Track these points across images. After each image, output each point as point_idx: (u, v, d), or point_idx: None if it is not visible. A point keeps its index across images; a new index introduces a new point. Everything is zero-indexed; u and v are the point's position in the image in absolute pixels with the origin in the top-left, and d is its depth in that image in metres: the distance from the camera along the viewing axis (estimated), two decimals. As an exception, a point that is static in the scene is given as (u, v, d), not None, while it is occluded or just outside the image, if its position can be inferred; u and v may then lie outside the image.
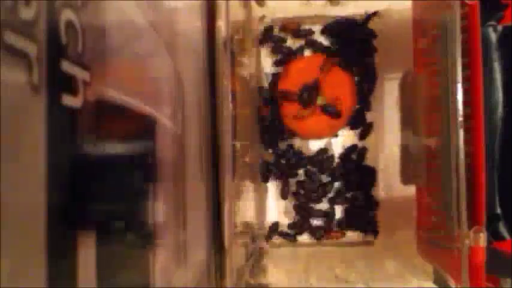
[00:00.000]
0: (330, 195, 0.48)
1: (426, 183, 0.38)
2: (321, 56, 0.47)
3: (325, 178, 0.48)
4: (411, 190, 0.42)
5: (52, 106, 0.13)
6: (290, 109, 0.46)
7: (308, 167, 0.48)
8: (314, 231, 0.47)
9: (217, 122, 0.29)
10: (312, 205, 0.47)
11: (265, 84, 0.48)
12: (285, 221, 0.48)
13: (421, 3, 0.40)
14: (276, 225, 0.47)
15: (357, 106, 0.47)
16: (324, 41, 0.48)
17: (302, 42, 0.48)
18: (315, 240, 0.47)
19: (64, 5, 0.14)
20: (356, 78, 0.47)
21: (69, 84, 0.14)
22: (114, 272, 0.17)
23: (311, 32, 0.48)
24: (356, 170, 0.47)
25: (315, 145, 0.48)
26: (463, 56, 0.31)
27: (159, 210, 0.22)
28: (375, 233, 0.47)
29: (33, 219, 0.12)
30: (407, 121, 0.43)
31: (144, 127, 0.21)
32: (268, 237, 0.47)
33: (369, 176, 0.47)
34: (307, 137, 0.48)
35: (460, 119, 0.31)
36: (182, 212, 0.26)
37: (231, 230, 0.29)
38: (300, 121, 0.46)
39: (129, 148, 0.19)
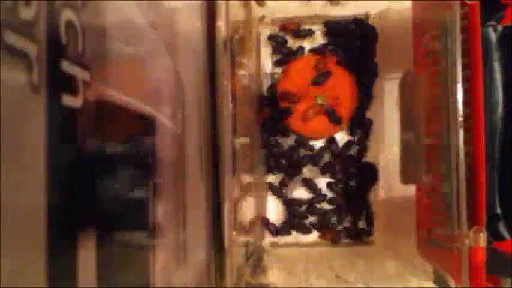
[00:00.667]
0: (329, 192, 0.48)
1: (426, 183, 0.38)
2: (321, 56, 0.47)
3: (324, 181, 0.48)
4: (411, 190, 0.42)
5: (52, 106, 0.13)
6: (293, 109, 0.46)
7: (308, 167, 0.48)
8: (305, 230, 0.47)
9: (217, 122, 0.29)
10: (311, 204, 0.47)
11: (266, 84, 0.48)
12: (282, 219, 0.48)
13: (421, 3, 0.39)
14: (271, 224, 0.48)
15: (357, 106, 0.47)
16: (324, 41, 0.48)
17: (302, 42, 0.48)
18: (315, 240, 0.47)
19: (64, 5, 0.14)
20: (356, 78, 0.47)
21: (69, 84, 0.14)
22: (114, 272, 0.17)
23: (311, 32, 0.48)
24: (356, 168, 0.47)
25: (314, 145, 0.48)
26: (463, 56, 0.31)
27: (159, 210, 0.22)
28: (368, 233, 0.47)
29: (33, 219, 0.12)
30: (407, 121, 0.43)
31: (144, 127, 0.21)
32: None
33: (369, 174, 0.47)
34: (309, 135, 0.48)
35: (460, 119, 0.31)
36: (182, 212, 0.26)
37: (231, 230, 0.29)
38: (301, 121, 0.46)
39: (129, 148, 0.19)
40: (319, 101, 0.46)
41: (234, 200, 0.32)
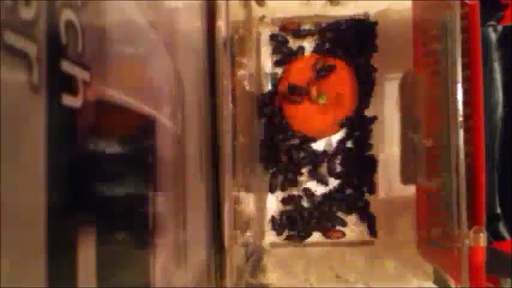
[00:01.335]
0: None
1: (426, 183, 0.38)
2: (321, 55, 0.47)
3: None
4: (411, 190, 0.42)
5: (52, 106, 0.13)
6: (293, 108, 0.46)
7: (309, 167, 0.48)
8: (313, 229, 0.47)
9: (217, 122, 0.29)
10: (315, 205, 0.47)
11: (265, 84, 0.48)
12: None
13: (421, 3, 0.40)
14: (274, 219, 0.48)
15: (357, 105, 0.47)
16: (324, 41, 0.48)
17: (302, 42, 0.48)
18: (315, 240, 0.47)
19: (64, 5, 0.14)
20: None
21: (69, 84, 0.14)
22: (114, 272, 0.17)
23: (311, 32, 0.48)
24: (356, 161, 0.47)
25: (315, 145, 0.48)
26: (463, 56, 0.31)
27: (159, 210, 0.22)
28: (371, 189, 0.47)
29: (33, 219, 0.12)
30: (407, 121, 0.43)
31: (144, 127, 0.21)
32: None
33: (369, 165, 0.47)
34: (311, 134, 0.48)
35: (460, 119, 0.31)
36: (182, 212, 0.26)
37: (231, 230, 0.29)
38: (303, 120, 0.46)
39: (129, 148, 0.19)
40: (321, 101, 0.46)
41: (234, 200, 0.32)
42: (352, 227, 0.47)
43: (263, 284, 0.37)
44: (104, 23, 0.16)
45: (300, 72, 0.47)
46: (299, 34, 0.48)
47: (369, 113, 0.48)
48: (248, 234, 0.40)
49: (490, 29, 0.36)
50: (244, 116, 0.40)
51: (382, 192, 0.47)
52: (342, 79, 0.46)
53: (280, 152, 0.48)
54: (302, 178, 0.48)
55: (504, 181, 0.35)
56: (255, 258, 0.42)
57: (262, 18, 0.48)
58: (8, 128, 0.11)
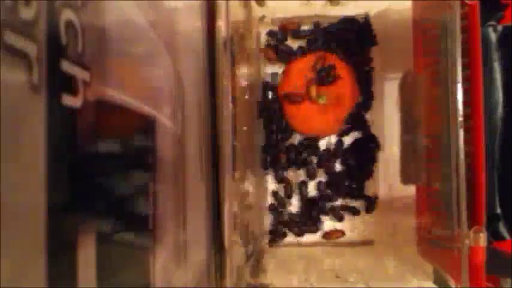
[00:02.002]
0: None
1: (426, 183, 0.38)
2: (321, 55, 0.47)
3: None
4: (411, 190, 0.42)
5: (52, 106, 0.13)
6: (294, 109, 0.46)
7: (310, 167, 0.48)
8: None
9: (217, 122, 0.29)
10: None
11: (266, 84, 0.48)
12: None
13: (421, 3, 0.40)
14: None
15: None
16: (324, 40, 0.48)
17: (302, 42, 0.48)
18: (315, 240, 0.47)
19: (64, 5, 0.14)
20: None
21: (69, 84, 0.14)
22: (114, 272, 0.17)
23: (311, 32, 0.48)
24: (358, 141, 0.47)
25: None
26: (463, 56, 0.31)
27: (159, 210, 0.22)
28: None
29: (33, 219, 0.12)
30: (407, 121, 0.43)
31: (144, 127, 0.21)
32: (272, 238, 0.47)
33: (372, 142, 0.47)
34: (311, 134, 0.48)
35: (460, 119, 0.31)
36: (182, 212, 0.26)
37: (231, 230, 0.29)
38: (304, 120, 0.46)
39: (129, 148, 0.19)
40: (321, 101, 0.46)
41: (234, 200, 0.32)
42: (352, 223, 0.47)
43: (263, 284, 0.37)
44: (104, 23, 0.16)
45: (300, 73, 0.47)
46: (299, 34, 0.48)
47: (368, 113, 0.48)
48: (248, 234, 0.40)
49: (490, 29, 0.36)
50: (245, 116, 0.40)
51: (382, 192, 0.47)
52: (342, 79, 0.46)
53: (280, 152, 0.48)
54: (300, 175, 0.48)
55: (504, 181, 0.35)
56: (255, 258, 0.42)
57: (262, 18, 0.48)
58: (8, 128, 0.11)
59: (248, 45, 0.43)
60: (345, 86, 0.46)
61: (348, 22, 0.48)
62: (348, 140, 0.48)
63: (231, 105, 0.30)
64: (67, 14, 0.14)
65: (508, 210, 0.35)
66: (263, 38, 0.48)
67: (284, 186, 0.48)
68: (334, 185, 0.47)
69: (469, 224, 0.31)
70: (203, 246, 0.29)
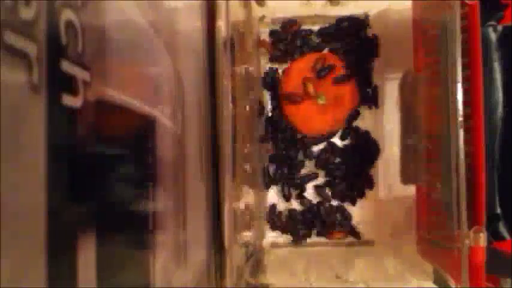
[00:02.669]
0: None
1: (426, 183, 0.38)
2: (321, 55, 0.47)
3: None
4: (411, 190, 0.42)
5: (52, 106, 0.13)
6: (295, 109, 0.47)
7: (307, 167, 0.48)
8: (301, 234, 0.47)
9: (217, 122, 0.29)
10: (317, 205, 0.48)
11: (266, 84, 0.48)
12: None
13: (421, 3, 0.40)
14: (273, 207, 0.47)
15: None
16: (324, 40, 0.48)
17: (302, 42, 0.48)
18: (315, 240, 0.47)
19: (64, 5, 0.14)
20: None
21: (69, 84, 0.14)
22: (114, 272, 0.17)
23: (311, 32, 0.48)
24: (358, 142, 0.47)
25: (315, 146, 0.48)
26: (463, 56, 0.31)
27: (159, 210, 0.22)
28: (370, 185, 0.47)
29: (33, 219, 0.12)
30: (407, 121, 0.43)
31: (144, 127, 0.21)
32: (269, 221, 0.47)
33: (372, 148, 0.47)
34: (311, 133, 0.48)
35: (460, 119, 0.31)
36: (182, 212, 0.26)
37: (231, 230, 0.29)
38: (304, 119, 0.46)
39: (129, 148, 0.19)
40: (321, 101, 0.46)
41: (234, 200, 0.32)
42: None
43: (263, 284, 0.37)
44: (104, 23, 0.16)
45: (300, 72, 0.47)
46: (299, 34, 0.48)
47: (368, 113, 0.48)
48: (248, 234, 0.40)
49: (490, 29, 0.36)
50: (245, 116, 0.40)
51: (382, 192, 0.47)
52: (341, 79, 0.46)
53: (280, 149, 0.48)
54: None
55: (504, 181, 0.35)
56: (255, 258, 0.42)
57: (262, 18, 0.48)
58: (8, 128, 0.11)
59: (248, 45, 0.43)
60: (345, 87, 0.46)
61: (347, 22, 0.48)
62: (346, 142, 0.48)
63: (231, 105, 0.30)
64: (67, 14, 0.14)
65: (508, 210, 0.35)
66: (263, 37, 0.48)
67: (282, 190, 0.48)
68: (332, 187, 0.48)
69: (469, 224, 0.31)
70: (203, 246, 0.29)
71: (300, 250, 0.47)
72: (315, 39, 0.48)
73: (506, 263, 0.35)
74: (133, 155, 0.20)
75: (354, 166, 0.48)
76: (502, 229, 0.36)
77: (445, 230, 0.33)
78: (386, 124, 0.46)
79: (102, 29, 0.16)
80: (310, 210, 0.47)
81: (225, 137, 0.29)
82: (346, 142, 0.48)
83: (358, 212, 0.48)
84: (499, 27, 0.36)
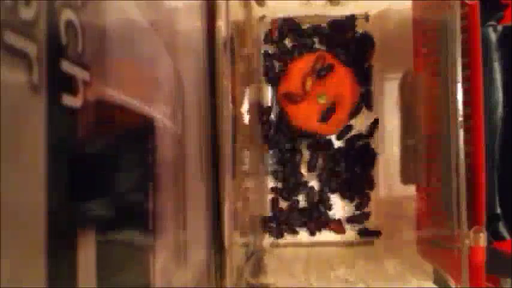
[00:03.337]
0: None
1: (426, 183, 0.38)
2: (321, 55, 0.47)
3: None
4: (411, 190, 0.42)
5: (52, 106, 0.13)
6: (295, 109, 0.47)
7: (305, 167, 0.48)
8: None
9: (217, 122, 0.29)
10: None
11: (266, 84, 0.48)
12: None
13: (421, 3, 0.40)
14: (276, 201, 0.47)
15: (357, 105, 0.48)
16: (323, 40, 0.48)
17: (302, 42, 0.48)
18: (315, 240, 0.47)
19: (64, 5, 0.14)
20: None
21: (69, 84, 0.14)
22: (114, 272, 0.17)
23: (311, 32, 0.48)
24: (355, 151, 0.48)
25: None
26: (463, 56, 0.31)
27: (159, 210, 0.22)
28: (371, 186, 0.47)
29: (33, 219, 0.12)
30: (407, 121, 0.43)
31: (144, 127, 0.21)
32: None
33: (368, 157, 0.47)
34: (311, 131, 0.48)
35: (460, 119, 0.31)
36: (182, 212, 0.26)
37: (231, 230, 0.29)
38: (305, 118, 0.46)
39: (129, 148, 0.19)
40: (321, 101, 0.46)
41: (234, 199, 0.32)
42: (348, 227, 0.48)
43: (263, 284, 0.37)
44: (104, 23, 0.16)
45: (300, 72, 0.47)
46: (299, 34, 0.48)
47: (368, 112, 0.48)
48: (248, 234, 0.40)
49: (490, 29, 0.36)
50: (244, 116, 0.40)
51: (382, 192, 0.47)
52: (341, 79, 0.46)
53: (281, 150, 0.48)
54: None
55: (504, 181, 0.35)
56: (255, 258, 0.42)
57: (262, 18, 0.48)
58: (8, 128, 0.11)
59: (248, 45, 0.43)
60: (344, 86, 0.46)
61: (344, 22, 0.48)
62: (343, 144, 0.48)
63: (231, 105, 0.30)
64: (67, 14, 0.14)
65: (508, 210, 0.35)
66: (263, 37, 0.48)
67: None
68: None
69: (469, 224, 0.31)
70: (203, 246, 0.29)
71: (300, 250, 0.47)
72: (315, 39, 0.48)
73: (506, 263, 0.35)
74: (133, 155, 0.20)
75: (351, 175, 0.48)
76: (502, 229, 0.36)
77: (445, 230, 0.33)
78: (387, 124, 0.46)
79: (102, 29, 0.16)
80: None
81: (225, 137, 0.29)
82: (341, 144, 0.48)
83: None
84: (499, 27, 0.36)
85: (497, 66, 0.36)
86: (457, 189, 0.31)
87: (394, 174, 0.45)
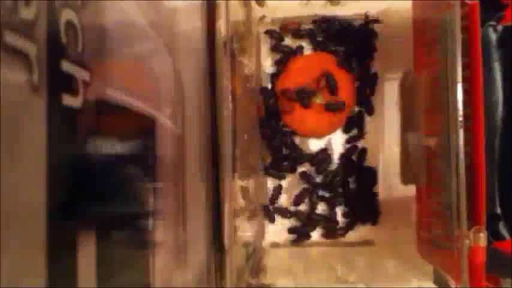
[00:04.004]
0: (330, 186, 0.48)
1: (426, 183, 0.38)
2: (321, 55, 0.47)
3: (324, 178, 0.48)
4: (411, 190, 0.42)
5: (52, 106, 0.13)
6: (290, 108, 0.47)
7: (304, 169, 0.48)
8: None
9: (217, 122, 0.29)
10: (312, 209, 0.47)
11: (265, 84, 0.48)
12: (285, 222, 0.48)
13: (421, 3, 0.39)
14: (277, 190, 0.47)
15: (356, 109, 0.47)
16: (323, 41, 0.48)
17: (302, 42, 0.48)
18: (315, 240, 0.47)
19: (64, 5, 0.14)
20: (356, 84, 0.47)
21: (69, 84, 0.14)
22: (114, 272, 0.17)
23: (311, 32, 0.48)
24: (356, 171, 0.47)
25: (314, 145, 0.48)
26: (463, 56, 0.31)
27: (159, 210, 0.22)
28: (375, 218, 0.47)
29: (33, 219, 0.12)
30: (408, 121, 0.43)
31: (144, 127, 0.21)
32: (269, 210, 0.47)
33: (369, 177, 0.47)
34: (306, 135, 0.48)
35: (460, 119, 0.31)
36: (182, 212, 0.26)
37: (231, 230, 0.29)
38: (300, 120, 0.46)
39: (129, 148, 0.19)
40: (318, 101, 0.46)
41: (234, 199, 0.32)
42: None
43: (263, 284, 0.37)
44: (104, 23, 0.16)
45: (299, 71, 0.47)
46: (299, 34, 0.48)
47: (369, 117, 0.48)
48: (248, 234, 0.40)
49: (490, 29, 0.36)
50: (245, 115, 0.40)
51: (382, 192, 0.47)
52: (340, 82, 0.46)
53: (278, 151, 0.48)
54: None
55: (504, 181, 0.35)
56: (255, 258, 0.42)
57: (262, 18, 0.48)
58: (8, 128, 0.11)
59: (248, 45, 0.43)
60: (343, 90, 0.46)
61: (350, 24, 0.48)
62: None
63: (231, 105, 0.30)
64: (67, 14, 0.14)
65: (508, 210, 0.35)
66: (263, 38, 0.48)
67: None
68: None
69: (469, 224, 0.31)
70: (203, 246, 0.29)
71: (300, 250, 0.47)
72: (314, 39, 0.48)
73: (506, 263, 0.35)
74: (133, 155, 0.20)
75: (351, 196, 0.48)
76: (502, 229, 0.36)
77: (445, 230, 0.33)
78: (387, 124, 0.46)
79: (102, 29, 0.16)
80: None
81: (225, 137, 0.29)
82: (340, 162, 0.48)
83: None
84: (499, 27, 0.36)
85: (497, 66, 0.36)
86: (457, 189, 0.31)
87: (394, 174, 0.45)
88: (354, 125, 0.47)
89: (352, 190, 0.47)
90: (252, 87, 0.45)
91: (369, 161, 0.48)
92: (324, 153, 0.47)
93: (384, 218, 0.47)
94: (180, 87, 0.26)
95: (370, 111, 0.47)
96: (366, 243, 0.47)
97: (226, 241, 0.29)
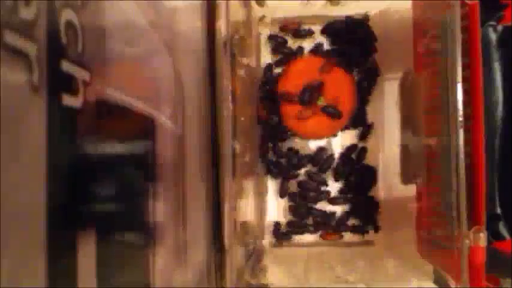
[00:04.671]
0: (331, 194, 0.48)
1: (426, 183, 0.38)
2: (321, 56, 0.47)
3: (327, 177, 0.48)
4: (411, 190, 0.42)
5: (52, 106, 0.13)
6: (290, 110, 0.46)
7: (308, 167, 0.48)
8: (311, 230, 0.47)
9: (217, 122, 0.29)
10: (310, 205, 0.47)
11: (265, 85, 0.48)
12: (283, 220, 0.48)
13: (421, 3, 0.39)
14: (278, 225, 0.47)
15: (358, 107, 0.47)
16: (324, 41, 0.48)
17: (302, 42, 0.48)
18: (315, 240, 0.47)
19: (64, 5, 0.14)
20: (356, 78, 0.47)
21: (69, 84, 0.14)
22: (114, 271, 0.17)
23: (311, 32, 0.48)
24: (356, 170, 0.47)
25: (314, 144, 0.48)
26: (463, 56, 0.31)
27: (159, 210, 0.22)
28: (376, 228, 0.47)
29: (33, 219, 0.12)
30: (408, 121, 0.43)
31: (144, 127, 0.21)
32: (276, 238, 0.47)
33: (368, 176, 0.47)
34: (307, 137, 0.48)
35: (460, 119, 0.31)
36: (182, 212, 0.26)
37: (231, 230, 0.29)
38: (300, 121, 0.46)
39: (129, 148, 0.19)
40: (319, 103, 0.46)
41: (234, 199, 0.32)
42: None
43: (263, 284, 0.37)
44: (104, 23, 0.16)
45: (299, 73, 0.47)
46: (299, 34, 0.48)
47: (369, 112, 0.48)
48: (248, 234, 0.40)
49: (490, 29, 0.36)
50: (244, 116, 0.40)
51: (382, 192, 0.47)
52: (340, 82, 0.46)
53: (278, 153, 0.48)
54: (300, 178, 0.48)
55: (504, 181, 0.35)
56: (255, 258, 0.42)
57: (262, 18, 0.48)
58: (8, 128, 0.11)
59: (248, 45, 0.43)
60: (343, 92, 0.46)
61: (350, 24, 0.48)
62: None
63: (231, 105, 0.30)
64: (67, 14, 0.14)
65: (508, 210, 0.35)
66: (263, 38, 0.48)
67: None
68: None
69: (469, 224, 0.31)
70: (203, 246, 0.29)
71: (300, 250, 0.47)
72: (314, 40, 0.48)
73: (506, 263, 0.35)
74: (133, 155, 0.20)
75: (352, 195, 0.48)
76: (502, 229, 0.36)
77: (445, 230, 0.33)
78: (387, 124, 0.46)
79: (102, 29, 0.16)
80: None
81: (225, 137, 0.29)
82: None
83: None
84: (499, 27, 0.36)
85: (497, 66, 0.36)
86: (457, 189, 0.31)
87: (394, 174, 0.45)
88: (359, 124, 0.48)
89: (351, 189, 0.47)
90: (252, 88, 0.45)
91: (369, 161, 0.48)
92: (325, 153, 0.47)
93: (384, 218, 0.47)
94: (180, 87, 0.26)
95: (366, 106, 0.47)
96: (365, 243, 0.47)
97: (226, 241, 0.29)
